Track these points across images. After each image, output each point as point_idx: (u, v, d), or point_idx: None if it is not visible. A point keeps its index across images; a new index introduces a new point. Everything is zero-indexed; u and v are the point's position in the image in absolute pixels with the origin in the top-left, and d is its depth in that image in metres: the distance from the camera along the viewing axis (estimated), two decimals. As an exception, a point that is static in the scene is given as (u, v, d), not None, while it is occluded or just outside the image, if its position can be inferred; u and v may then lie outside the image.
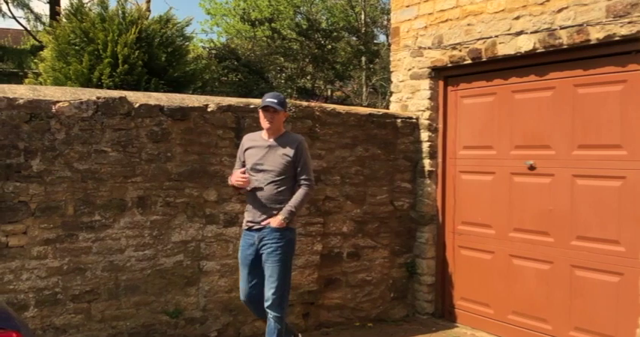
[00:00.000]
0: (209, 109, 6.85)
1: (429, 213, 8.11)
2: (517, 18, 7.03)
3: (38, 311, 6.06)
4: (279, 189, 6.07)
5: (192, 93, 9.72)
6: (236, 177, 6.11)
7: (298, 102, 7.62)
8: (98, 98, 6.30)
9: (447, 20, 7.83)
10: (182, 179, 6.68)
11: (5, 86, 6.34)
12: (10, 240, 5.93)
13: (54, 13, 18.21)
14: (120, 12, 11.16)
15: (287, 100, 6.61)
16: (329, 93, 21.88)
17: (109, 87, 9.37)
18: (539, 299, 7.01)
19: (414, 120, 8.17)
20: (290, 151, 6.10)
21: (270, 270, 6.01)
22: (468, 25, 7.55)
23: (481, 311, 7.64)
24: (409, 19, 8.39)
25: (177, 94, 7.33)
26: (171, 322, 6.60)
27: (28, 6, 21.98)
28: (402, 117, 8.13)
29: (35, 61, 13.23)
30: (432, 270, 8.14)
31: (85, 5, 11.97)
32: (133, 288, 6.46)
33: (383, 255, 8.00)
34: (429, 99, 8.10)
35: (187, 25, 12.12)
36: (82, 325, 6.23)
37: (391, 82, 8.84)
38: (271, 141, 6.15)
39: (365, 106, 15.59)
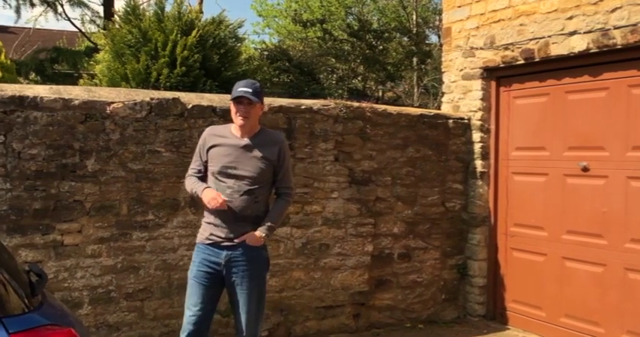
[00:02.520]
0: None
1: (480, 215, 8.05)
2: (570, 18, 6.95)
3: (92, 308, 6.15)
4: (257, 200, 5.11)
5: (244, 94, 9.74)
6: (213, 199, 4.98)
7: (349, 102, 7.63)
8: (152, 99, 6.38)
9: (499, 20, 7.78)
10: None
11: (61, 87, 6.46)
12: (65, 239, 6.03)
13: (108, 15, 18.42)
14: (177, 13, 11.25)
15: (263, 89, 5.34)
16: (380, 93, 21.79)
17: (165, 88, 9.46)
18: (592, 302, 6.92)
19: (465, 121, 8.12)
20: (270, 154, 5.15)
21: (244, 298, 5.05)
22: (521, 25, 7.49)
23: (533, 314, 7.57)
24: (461, 20, 8.35)
25: (230, 95, 7.37)
26: (222, 321, 6.64)
27: (86, 5, 22.23)
28: (453, 118, 8.09)
29: (90, 62, 13.40)
30: (483, 272, 8.08)
31: (140, 6, 12.09)
32: (185, 287, 6.50)
33: (434, 257, 7.97)
34: (481, 99, 8.05)
35: (240, 27, 12.17)
36: (135, 323, 6.30)
37: (443, 82, 8.80)
38: (246, 140, 5.15)
39: (416, 107, 15.51)
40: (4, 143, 5.79)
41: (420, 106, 17.59)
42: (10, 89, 6.02)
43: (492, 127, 8.05)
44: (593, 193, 6.92)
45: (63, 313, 3.46)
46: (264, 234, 5.11)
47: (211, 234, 5.13)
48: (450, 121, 8.05)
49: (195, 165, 5.33)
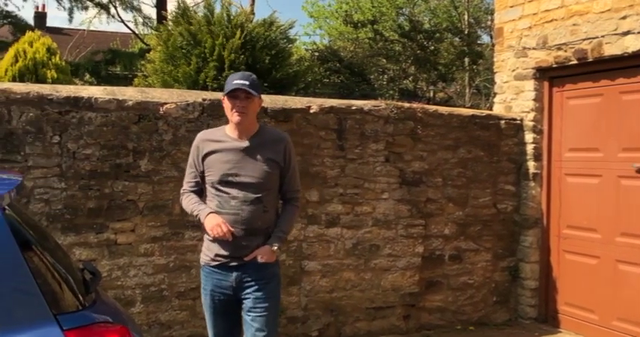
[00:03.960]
0: (311, 111, 6.90)
1: (533, 217, 7.97)
2: (624, 18, 6.85)
3: (144, 307, 6.22)
4: (266, 209, 4.53)
5: (295, 95, 9.80)
6: (216, 227, 4.39)
7: (400, 103, 7.61)
8: (204, 100, 6.43)
9: (551, 20, 7.70)
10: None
11: (115, 88, 6.55)
12: (118, 238, 6.11)
13: (161, 17, 18.61)
14: (225, 15, 11.33)
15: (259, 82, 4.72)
16: (431, 94, 21.70)
17: (213, 90, 9.53)
18: (647, 305, 6.83)
19: (518, 122, 8.05)
20: (275, 154, 4.58)
21: (260, 322, 4.50)
22: (574, 25, 7.40)
23: (585, 317, 7.47)
24: (513, 20, 8.28)
25: (281, 96, 7.42)
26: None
27: (137, 8, 22.51)
28: (505, 119, 8.02)
29: (143, 63, 13.55)
30: (535, 274, 8.00)
31: (192, 8, 12.19)
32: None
33: (485, 259, 7.91)
34: (534, 100, 7.97)
35: (290, 28, 12.22)
36: (187, 322, 6.36)
37: (495, 82, 8.74)
38: (245, 141, 4.54)
39: (468, 108, 15.41)
40: (59, 143, 5.88)
41: (471, 107, 17.48)
42: (65, 90, 6.12)
43: (545, 128, 7.97)
44: (648, 195, 6.83)
45: (116, 311, 3.50)
46: (276, 247, 4.55)
47: (217, 255, 4.54)
48: (502, 122, 7.99)
49: (190, 179, 4.72)
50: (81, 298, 3.05)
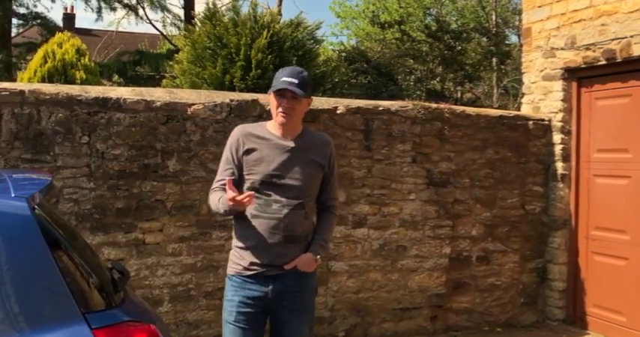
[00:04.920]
0: (338, 111, 6.91)
1: (561, 218, 7.93)
2: (654, 17, 6.81)
3: (172, 306, 6.25)
4: (307, 216, 4.19)
5: (322, 96, 9.81)
6: (232, 199, 3.88)
7: (427, 103, 7.59)
8: (231, 101, 6.46)
9: (580, 20, 7.65)
10: (312, 180, 6.75)
11: (143, 89, 6.59)
12: (146, 237, 6.15)
13: (189, 18, 18.69)
14: (252, 16, 11.36)
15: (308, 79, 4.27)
16: (459, 94, 21.65)
17: (241, 90, 9.56)
18: (677, 307, 6.77)
19: (546, 122, 8.01)
20: (322, 158, 4.25)
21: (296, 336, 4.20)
22: (602, 25, 7.35)
23: (613, 319, 7.41)
24: (541, 20, 8.24)
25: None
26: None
27: (166, 8, 22.64)
28: (533, 119, 7.98)
29: (171, 64, 13.62)
30: (563, 276, 7.95)
31: (219, 10, 12.23)
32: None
33: (513, 260, 7.87)
34: (562, 100, 7.92)
35: (317, 28, 12.23)
36: (214, 321, 6.37)
37: (523, 83, 8.70)
38: (291, 141, 4.18)
39: (496, 108, 15.36)
40: (88, 143, 5.93)
41: (499, 107, 17.42)
42: (94, 91, 6.17)
43: (573, 129, 7.92)
44: (678, 196, 6.77)
45: (144, 310, 3.52)
46: (317, 256, 4.22)
47: (252, 264, 4.11)
48: (530, 123, 7.95)
49: (224, 175, 4.19)
50: (109, 297, 3.08)
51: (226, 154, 4.24)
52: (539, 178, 8.00)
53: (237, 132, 4.25)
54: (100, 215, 5.98)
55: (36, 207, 2.96)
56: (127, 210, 6.08)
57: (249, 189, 4.09)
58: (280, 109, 4.10)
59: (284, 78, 4.09)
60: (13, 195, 2.90)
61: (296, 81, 4.07)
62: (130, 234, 6.09)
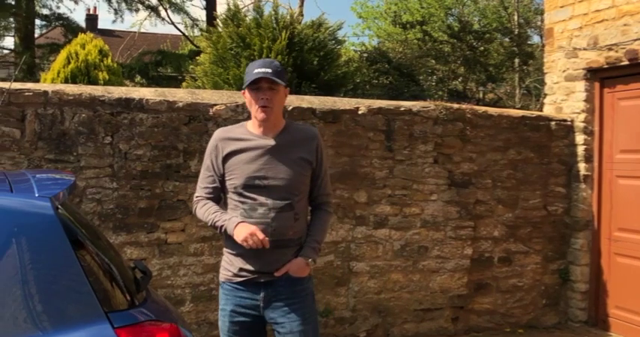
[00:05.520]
0: (360, 112, 6.91)
1: (583, 219, 7.89)
2: (678, 17, 6.76)
3: (194, 306, 6.28)
4: (297, 217, 3.94)
5: (344, 96, 9.81)
6: (251, 236, 3.72)
7: (449, 104, 7.57)
8: (253, 101, 6.47)
9: (602, 20, 7.61)
10: (333, 180, 6.70)
11: (165, 90, 6.62)
12: (168, 237, 6.18)
13: (210, 19, 18.74)
14: (273, 18, 11.38)
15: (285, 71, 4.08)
16: (481, 95, 21.54)
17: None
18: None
19: (568, 123, 7.97)
20: (308, 153, 3.99)
21: None
22: (625, 25, 7.31)
23: (636, 321, 7.36)
24: (563, 20, 8.21)
25: (329, 97, 7.44)
26: (321, 321, 6.68)
27: (185, 11, 22.72)
28: (556, 120, 7.95)
29: (192, 66, 13.67)
30: (585, 277, 7.91)
31: (241, 10, 12.26)
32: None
33: (535, 261, 7.84)
34: (585, 101, 7.88)
35: (339, 29, 12.21)
36: (236, 321, 6.39)
37: (545, 83, 8.67)
38: (272, 139, 3.94)
39: (518, 108, 15.29)
40: (111, 144, 5.97)
41: (521, 108, 17.35)
42: (117, 91, 6.21)
43: (596, 129, 7.88)
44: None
45: (166, 309, 3.53)
46: (310, 259, 3.96)
47: (241, 270, 3.92)
48: (553, 123, 7.92)
49: (206, 184, 4.06)
50: (132, 296, 3.09)
51: (206, 162, 4.07)
52: (561, 179, 7.96)
53: (215, 137, 4.06)
54: (123, 215, 6.02)
55: (59, 206, 2.98)
56: (150, 210, 6.11)
57: (232, 194, 3.93)
58: (259, 103, 3.87)
59: (256, 70, 3.85)
60: (36, 195, 2.92)
61: (270, 70, 3.83)
62: (153, 233, 6.13)
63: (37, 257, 2.77)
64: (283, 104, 4.11)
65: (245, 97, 4.02)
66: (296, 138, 3.98)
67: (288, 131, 4.00)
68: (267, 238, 3.72)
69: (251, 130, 3.98)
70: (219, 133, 4.06)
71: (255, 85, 3.86)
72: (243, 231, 3.74)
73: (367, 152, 6.93)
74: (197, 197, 4.10)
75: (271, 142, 3.91)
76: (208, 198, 4.03)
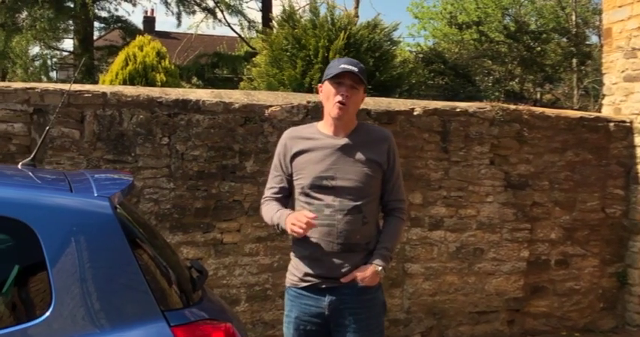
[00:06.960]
0: (415, 113, 6.89)
1: (642, 221, 7.77)
2: None
3: (249, 306, 6.32)
4: (365, 220, 3.74)
5: (399, 97, 9.79)
6: (296, 223, 3.59)
7: (506, 105, 7.51)
8: (308, 102, 6.50)
9: (662, 20, 7.50)
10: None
11: (221, 91, 6.68)
12: (224, 237, 6.22)
13: (266, 20, 18.85)
14: (329, 18, 11.41)
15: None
16: (538, 96, 21.32)
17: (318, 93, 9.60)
18: None
19: (627, 124, 7.85)
20: (378, 155, 3.82)
21: None
22: (686, 24, 7.19)
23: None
24: (622, 20, 8.08)
25: (384, 98, 7.42)
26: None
27: (242, 13, 22.85)
28: (614, 121, 7.83)
29: (248, 67, 13.76)
30: (644, 281, 7.80)
31: (297, 12, 12.31)
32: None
33: (592, 264, 7.73)
34: (644, 102, 7.77)
35: (394, 30, 12.21)
36: (291, 322, 6.41)
37: (603, 84, 8.55)
38: (343, 138, 3.81)
39: (576, 109, 15.11)
40: (168, 144, 6.03)
41: (580, 109, 17.15)
42: (174, 93, 6.28)
43: (656, 131, 7.76)
44: None
45: (222, 309, 3.56)
46: (380, 268, 3.74)
47: (306, 274, 3.79)
48: (611, 124, 7.80)
49: (274, 184, 3.96)
50: (188, 296, 3.12)
51: (275, 161, 3.96)
52: (619, 181, 7.84)
53: (284, 136, 3.95)
54: (180, 215, 6.08)
55: (118, 206, 3.02)
56: (206, 210, 6.17)
57: (299, 195, 3.82)
58: (337, 98, 3.71)
59: (343, 65, 3.73)
60: (95, 195, 2.96)
61: (356, 68, 3.71)
62: (209, 233, 6.18)
63: (96, 256, 2.81)
64: (359, 107, 3.97)
65: (321, 91, 3.90)
66: (367, 139, 3.84)
67: (360, 132, 3.87)
68: (312, 222, 3.55)
69: (321, 130, 3.88)
70: (288, 132, 3.98)
71: (338, 79, 3.73)
72: (289, 221, 3.64)
73: (422, 153, 6.91)
74: (264, 198, 4.03)
75: (341, 142, 3.78)
76: (275, 199, 3.93)
